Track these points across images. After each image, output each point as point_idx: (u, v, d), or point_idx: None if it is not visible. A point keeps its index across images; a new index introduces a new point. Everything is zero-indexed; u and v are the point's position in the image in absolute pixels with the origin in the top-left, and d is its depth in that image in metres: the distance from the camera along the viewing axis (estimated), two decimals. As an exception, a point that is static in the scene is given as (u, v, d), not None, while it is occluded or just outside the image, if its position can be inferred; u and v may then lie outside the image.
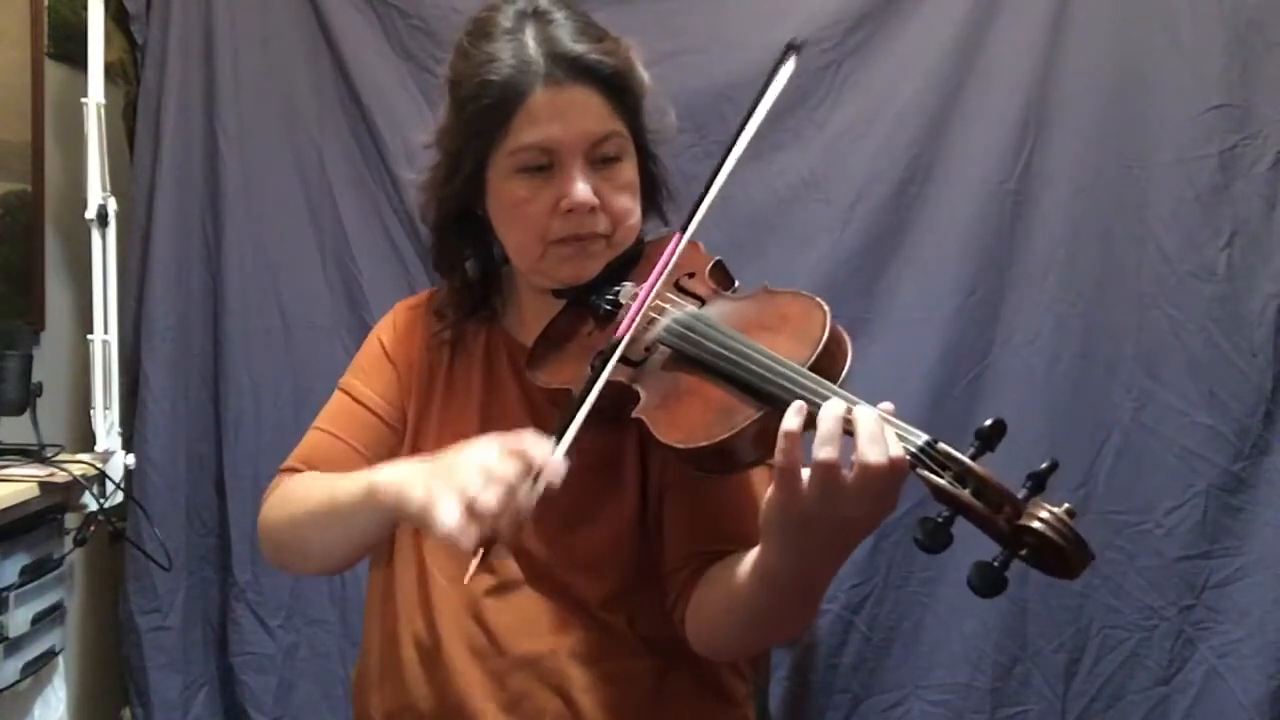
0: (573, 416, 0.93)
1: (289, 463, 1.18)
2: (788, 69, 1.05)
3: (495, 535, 0.88)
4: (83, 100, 1.86)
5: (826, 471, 0.80)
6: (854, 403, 0.83)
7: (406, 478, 0.94)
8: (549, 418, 0.98)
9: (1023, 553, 0.77)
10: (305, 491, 1.11)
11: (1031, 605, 1.79)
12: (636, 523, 1.06)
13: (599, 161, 1.04)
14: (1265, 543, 1.73)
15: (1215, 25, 1.74)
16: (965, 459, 0.79)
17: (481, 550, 0.88)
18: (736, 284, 1.08)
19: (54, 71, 2.02)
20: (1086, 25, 1.78)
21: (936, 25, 1.83)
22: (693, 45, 1.85)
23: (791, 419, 0.81)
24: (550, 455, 0.89)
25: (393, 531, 1.10)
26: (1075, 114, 1.79)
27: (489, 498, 0.86)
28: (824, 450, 0.80)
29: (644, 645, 1.06)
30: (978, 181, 1.82)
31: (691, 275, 1.06)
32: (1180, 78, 1.75)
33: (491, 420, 1.11)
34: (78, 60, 1.92)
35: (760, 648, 1.08)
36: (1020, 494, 0.78)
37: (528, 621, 1.06)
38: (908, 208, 1.84)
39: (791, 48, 1.05)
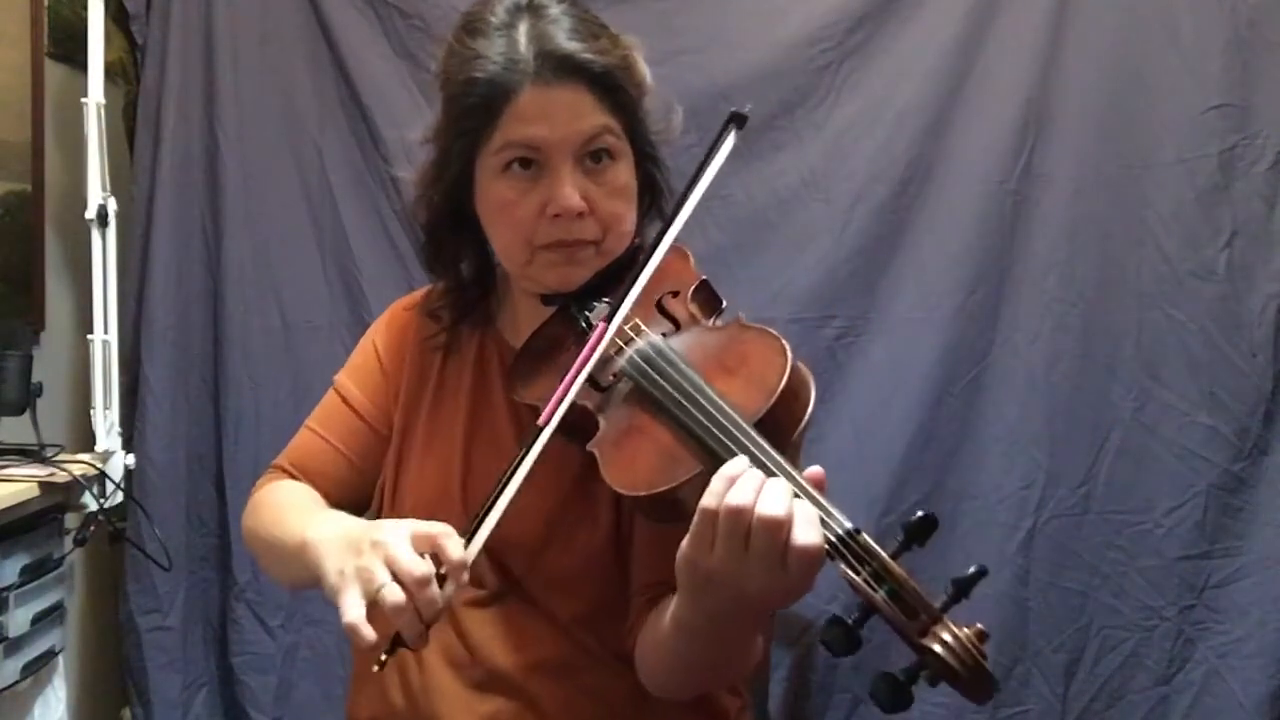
0: (482, 521, 0.90)
1: (279, 460, 1.18)
2: (730, 141, 1.00)
3: (400, 632, 0.85)
4: (83, 100, 1.86)
5: (733, 517, 0.77)
6: (779, 474, 0.79)
7: (328, 551, 0.93)
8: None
9: (925, 670, 0.72)
10: (268, 514, 1.12)
11: (1032, 605, 1.79)
12: (611, 543, 1.04)
13: (590, 160, 1.01)
14: (1265, 543, 1.73)
15: (1215, 25, 1.74)
16: (885, 555, 0.74)
17: (389, 643, 0.86)
18: (724, 304, 1.05)
19: (54, 71, 2.02)
20: (1086, 25, 1.78)
21: (936, 25, 1.83)
22: (693, 45, 1.85)
23: (735, 465, 0.79)
24: (461, 556, 0.87)
25: None
26: (1075, 114, 1.79)
27: (392, 595, 0.84)
28: (735, 499, 0.77)
29: (624, 663, 1.03)
30: (978, 181, 1.82)
31: (675, 294, 1.03)
32: (1180, 78, 1.76)
33: (477, 426, 1.10)
34: (78, 60, 1.92)
35: (689, 693, 1.05)
36: (938, 602, 0.73)
37: (504, 635, 1.04)
38: (908, 208, 1.84)
39: (735, 118, 1.01)
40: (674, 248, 0.99)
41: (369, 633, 0.84)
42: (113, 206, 1.88)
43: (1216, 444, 1.74)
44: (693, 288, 1.04)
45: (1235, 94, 1.74)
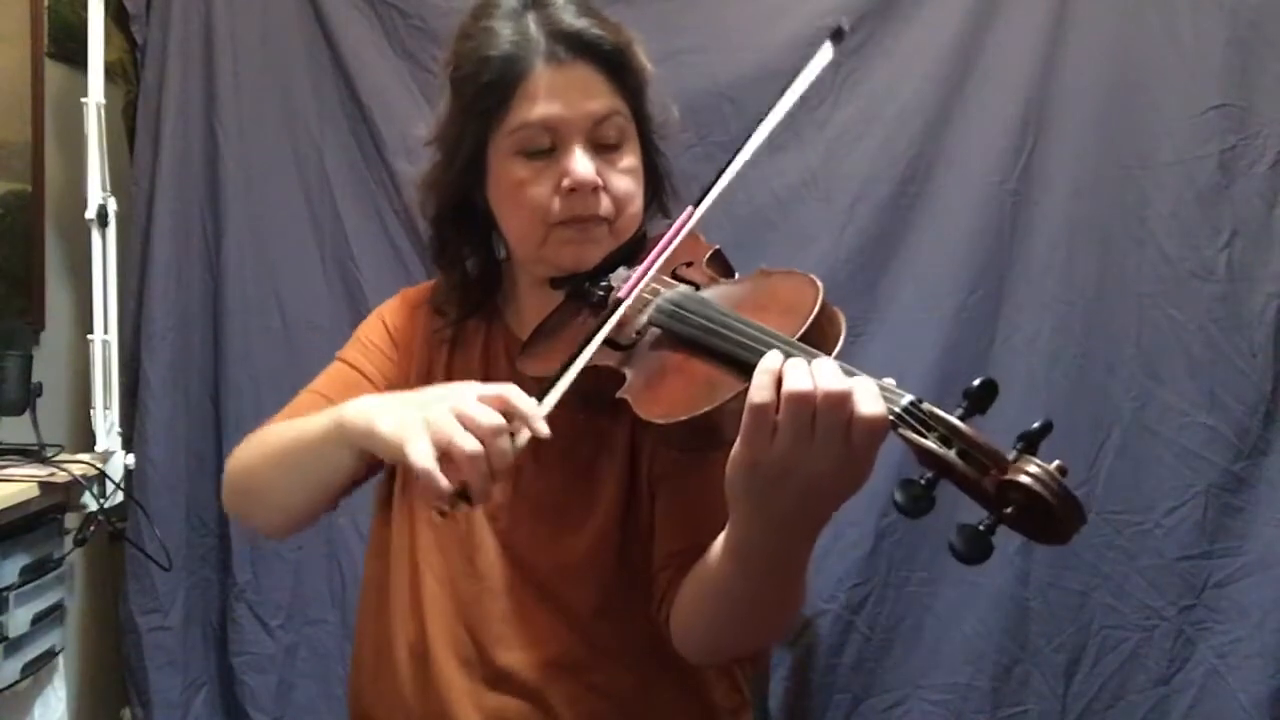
0: (555, 383, 0.90)
1: (274, 420, 1.13)
2: (826, 54, 1.04)
3: (466, 485, 0.84)
4: (83, 100, 1.86)
5: (798, 404, 0.75)
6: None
7: (378, 409, 0.92)
8: None
9: (1008, 511, 0.72)
10: (275, 434, 1.08)
11: (1032, 605, 1.79)
12: (620, 526, 1.04)
13: (601, 146, 1.03)
14: (1265, 543, 1.73)
15: (1215, 25, 1.74)
16: (952, 418, 0.75)
17: (450, 497, 0.84)
18: (736, 275, 1.06)
19: (54, 71, 2.02)
20: (1086, 25, 1.79)
21: (936, 25, 1.83)
22: (693, 45, 1.86)
23: (771, 359, 0.77)
24: (533, 408, 0.86)
25: (358, 473, 1.03)
26: (1075, 114, 1.79)
27: (464, 443, 0.83)
28: (794, 384, 0.75)
29: (631, 657, 1.04)
30: (978, 181, 1.82)
31: (689, 264, 1.04)
32: (1180, 78, 1.76)
33: None
34: (78, 60, 1.92)
35: (744, 645, 1.02)
36: (1010, 455, 0.73)
37: (514, 632, 1.04)
38: (908, 208, 1.84)
39: (835, 33, 1.04)
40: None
41: (443, 479, 0.83)
42: (113, 206, 1.88)
43: (1216, 444, 1.74)
44: (707, 255, 1.05)
45: (1235, 94, 1.74)
